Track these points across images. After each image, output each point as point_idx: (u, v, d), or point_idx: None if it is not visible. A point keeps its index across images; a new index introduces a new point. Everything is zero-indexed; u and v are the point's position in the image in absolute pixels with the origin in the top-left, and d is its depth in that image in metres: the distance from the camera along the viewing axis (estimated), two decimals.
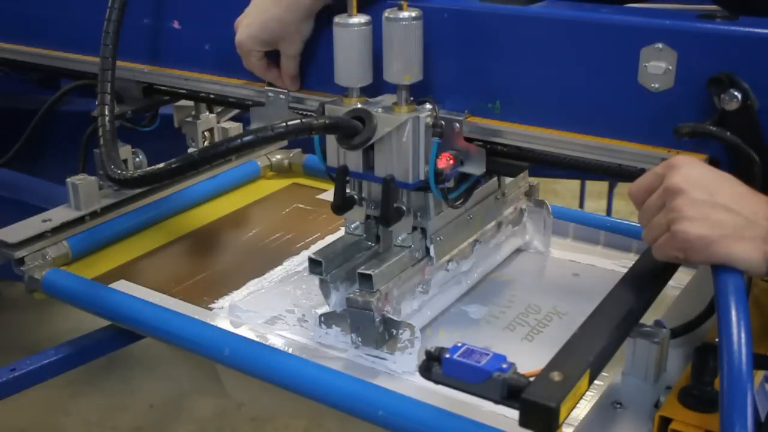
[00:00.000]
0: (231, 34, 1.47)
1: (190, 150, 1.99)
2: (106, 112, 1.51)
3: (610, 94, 1.21)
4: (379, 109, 1.29)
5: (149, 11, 1.66)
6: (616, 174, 1.25)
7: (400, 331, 1.31)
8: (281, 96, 1.51)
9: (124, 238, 1.79)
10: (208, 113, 2.00)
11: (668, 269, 1.24)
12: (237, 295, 1.55)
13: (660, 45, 1.15)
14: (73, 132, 1.89)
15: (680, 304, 1.42)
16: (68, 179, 1.76)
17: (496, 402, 1.01)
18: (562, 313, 1.48)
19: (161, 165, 1.26)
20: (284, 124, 1.19)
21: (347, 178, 1.36)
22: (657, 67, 1.15)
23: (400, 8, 1.26)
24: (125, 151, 1.82)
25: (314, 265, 1.36)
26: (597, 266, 1.64)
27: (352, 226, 1.44)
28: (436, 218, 1.40)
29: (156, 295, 1.56)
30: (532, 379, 0.99)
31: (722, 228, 0.99)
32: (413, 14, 1.26)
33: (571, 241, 1.74)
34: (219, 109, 2.02)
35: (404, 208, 1.36)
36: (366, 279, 1.30)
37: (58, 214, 1.73)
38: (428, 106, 1.32)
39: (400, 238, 1.39)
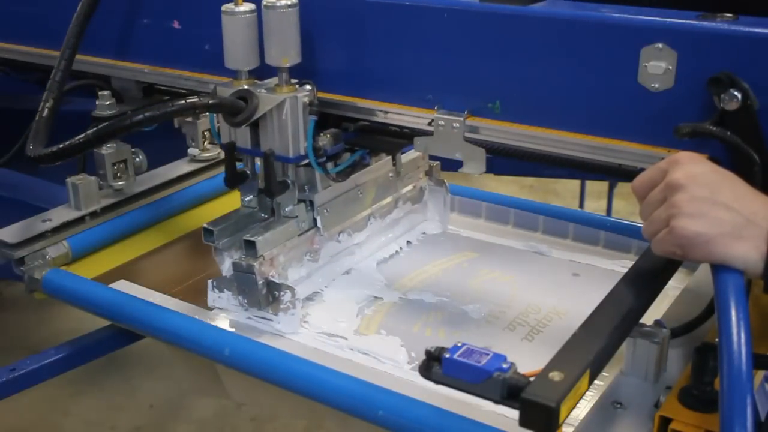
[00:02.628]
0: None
1: (191, 150, 1.99)
2: (51, 99, 1.57)
3: (610, 94, 1.21)
4: (263, 90, 1.41)
5: (149, 11, 1.66)
6: (616, 174, 1.25)
7: (282, 293, 1.39)
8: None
9: (124, 238, 1.78)
10: (208, 113, 2.00)
11: (668, 269, 1.24)
12: None
13: (660, 45, 1.15)
14: (73, 132, 1.89)
15: (680, 304, 1.42)
16: (68, 179, 1.75)
17: (496, 402, 1.01)
18: (562, 313, 1.48)
19: (67, 142, 1.39)
20: (171, 103, 1.32)
21: (238, 155, 1.48)
22: (657, 67, 1.15)
23: None
24: (125, 150, 1.81)
25: (207, 234, 1.47)
26: (597, 266, 1.64)
27: (246, 199, 1.55)
28: (323, 192, 1.52)
29: (156, 295, 1.56)
30: (532, 379, 0.99)
31: (721, 226, 0.99)
32: (289, 2, 1.36)
33: (571, 241, 1.74)
34: None
35: (289, 181, 1.47)
36: (251, 245, 1.41)
37: (58, 214, 1.73)
38: (308, 87, 1.42)
39: (287, 209, 1.49)
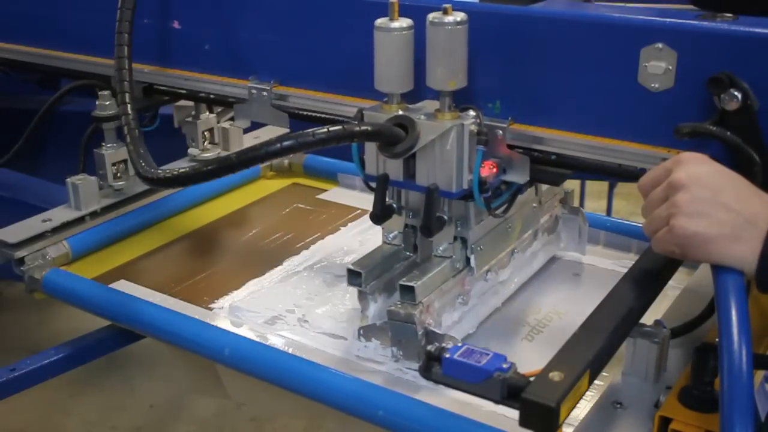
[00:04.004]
0: (231, 34, 1.47)
1: (191, 150, 1.99)
2: (129, 111, 1.48)
3: (610, 94, 1.21)
4: (422, 116, 1.26)
5: (150, 11, 1.66)
6: (616, 174, 1.25)
7: (444, 345, 1.24)
8: (264, 93, 1.50)
9: (124, 238, 1.79)
10: (208, 113, 2.00)
11: (668, 269, 1.24)
12: (237, 295, 1.55)
13: (660, 45, 1.14)
14: (73, 132, 1.89)
15: (680, 304, 1.42)
16: (68, 179, 1.76)
17: (496, 402, 1.01)
18: (562, 313, 1.48)
19: (194, 165, 1.25)
20: (326, 129, 1.16)
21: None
22: (657, 67, 1.15)
23: (445, 12, 1.23)
24: (125, 150, 1.81)
25: (353, 276, 1.33)
26: (597, 266, 1.64)
27: (390, 235, 1.41)
28: (476, 227, 1.37)
29: (156, 295, 1.56)
30: (532, 379, 0.99)
31: (721, 227, 0.99)
32: (458, 18, 1.22)
33: None
34: (219, 109, 2.01)
35: (446, 217, 1.33)
36: (408, 291, 1.27)
37: (58, 214, 1.73)
38: (472, 113, 1.28)
39: (440, 248, 1.36)
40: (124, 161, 1.81)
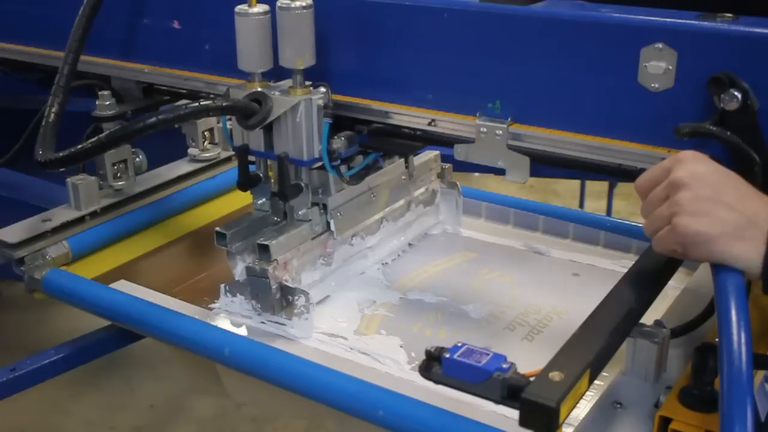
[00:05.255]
0: (231, 34, 1.47)
1: (191, 150, 1.99)
2: (56, 103, 1.55)
3: (610, 94, 1.21)
4: (277, 92, 1.39)
5: (150, 11, 1.66)
6: (616, 174, 1.25)
7: (296, 297, 1.37)
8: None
9: (124, 238, 1.78)
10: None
11: (668, 269, 1.24)
12: None
13: (660, 45, 1.15)
14: (73, 132, 1.89)
15: (680, 304, 1.42)
16: (68, 179, 1.75)
17: (496, 402, 1.01)
18: (562, 313, 1.48)
19: (77, 147, 1.38)
20: (184, 106, 1.30)
21: (251, 157, 1.46)
22: (657, 67, 1.15)
23: None
24: (125, 150, 1.81)
25: (219, 237, 1.45)
26: (597, 266, 1.64)
27: (259, 202, 1.53)
28: (336, 195, 1.51)
29: (156, 295, 1.55)
30: (532, 379, 0.99)
31: (723, 226, 0.99)
32: (304, 4, 1.34)
33: (571, 241, 1.74)
34: None
35: (303, 184, 1.46)
36: (264, 249, 1.39)
37: (58, 214, 1.73)
38: (322, 89, 1.40)
39: (300, 212, 1.48)
40: (124, 161, 1.81)
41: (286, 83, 1.42)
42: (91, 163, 1.80)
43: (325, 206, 1.50)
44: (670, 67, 1.15)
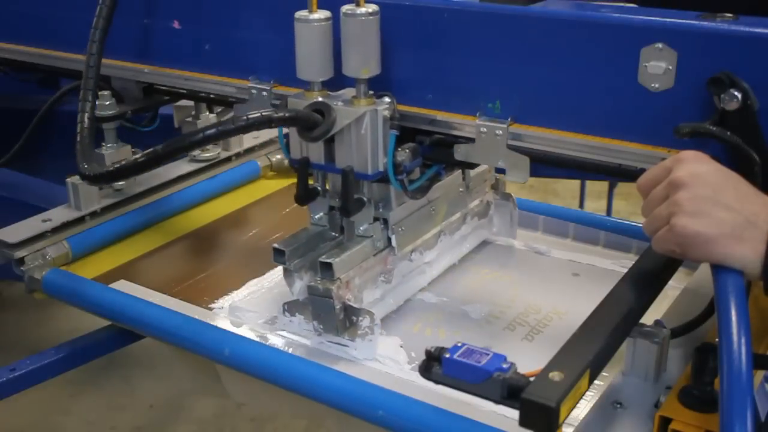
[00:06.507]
0: (231, 34, 1.48)
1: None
2: (87, 109, 1.52)
3: (610, 94, 1.21)
4: (339, 102, 1.32)
5: (150, 11, 1.66)
6: (616, 174, 1.25)
7: (360, 318, 1.32)
8: (263, 93, 1.51)
9: (124, 238, 1.79)
10: (208, 113, 2.00)
11: (668, 269, 1.25)
12: (237, 295, 1.55)
13: (660, 45, 1.14)
14: (73, 132, 1.89)
15: (680, 304, 1.42)
16: (68, 179, 1.76)
17: (496, 402, 1.01)
18: (562, 313, 1.48)
19: (128, 160, 1.34)
20: (245, 117, 1.22)
21: (310, 170, 1.40)
22: (657, 67, 1.15)
23: (357, 4, 1.28)
24: (125, 151, 1.81)
25: (278, 254, 1.39)
26: (597, 266, 1.64)
27: (316, 216, 1.47)
28: (398, 209, 1.44)
29: (156, 295, 1.55)
30: (532, 379, 0.99)
31: (721, 227, 0.99)
32: (370, 10, 1.28)
33: (571, 241, 1.74)
34: (219, 109, 2.02)
35: (365, 198, 1.39)
36: (327, 267, 1.33)
37: (58, 214, 1.73)
38: (387, 99, 1.34)
39: (361, 228, 1.42)
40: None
41: (348, 93, 1.35)
42: None
43: (386, 221, 1.43)
44: (670, 67, 1.15)
